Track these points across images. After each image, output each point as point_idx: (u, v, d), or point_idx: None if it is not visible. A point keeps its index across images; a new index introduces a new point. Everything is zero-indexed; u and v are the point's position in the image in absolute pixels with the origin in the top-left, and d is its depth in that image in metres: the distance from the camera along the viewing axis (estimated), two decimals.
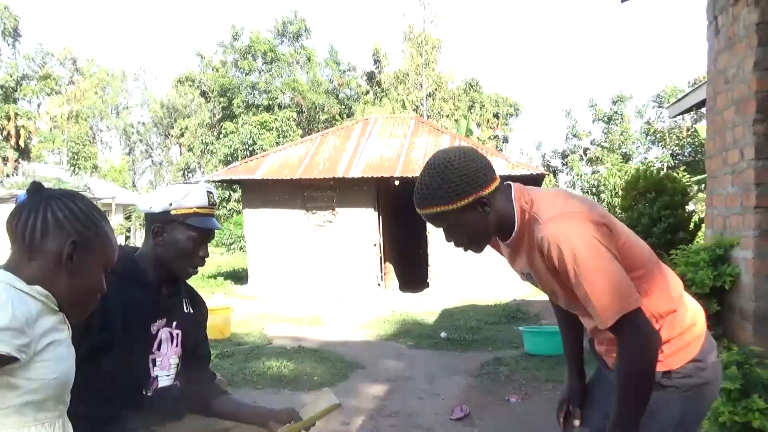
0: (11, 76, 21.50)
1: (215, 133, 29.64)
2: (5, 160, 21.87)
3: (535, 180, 13.11)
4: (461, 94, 32.55)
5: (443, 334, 7.87)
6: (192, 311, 2.16)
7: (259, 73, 30.99)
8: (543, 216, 1.61)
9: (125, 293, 1.92)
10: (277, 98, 29.42)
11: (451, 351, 7.14)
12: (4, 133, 21.37)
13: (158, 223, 1.99)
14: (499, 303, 10.62)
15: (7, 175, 21.86)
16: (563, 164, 31.14)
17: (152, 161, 42.68)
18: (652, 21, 67.90)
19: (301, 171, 12.37)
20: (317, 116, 30.85)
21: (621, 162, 25.88)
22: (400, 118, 15.24)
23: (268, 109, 28.75)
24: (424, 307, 10.65)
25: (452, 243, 1.74)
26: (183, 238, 1.97)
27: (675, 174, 7.85)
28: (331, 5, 60.75)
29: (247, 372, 5.88)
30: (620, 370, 1.57)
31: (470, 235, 1.69)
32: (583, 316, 1.78)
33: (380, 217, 12.70)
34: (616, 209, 12.48)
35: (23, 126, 21.69)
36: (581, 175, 27.53)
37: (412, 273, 13.38)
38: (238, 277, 14.63)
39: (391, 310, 10.12)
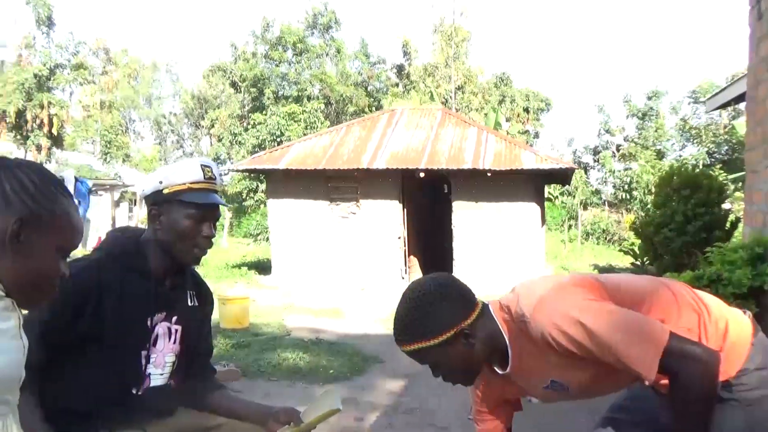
0: (45, 65, 21.83)
1: (244, 124, 29.78)
2: (39, 148, 22.25)
3: (564, 174, 12.83)
4: (491, 88, 32.18)
5: None
6: (197, 304, 2.01)
7: (289, 64, 31.04)
8: (527, 312, 1.48)
9: (123, 281, 1.79)
10: (306, 90, 29.43)
11: None
12: (38, 121, 21.71)
13: (153, 205, 1.84)
14: None
15: (41, 163, 22.25)
16: (595, 161, 30.63)
17: (183, 152, 43.11)
18: (689, 14, 66.26)
19: (326, 161, 12.28)
20: (345, 108, 30.78)
21: (655, 159, 25.31)
22: (427, 109, 15.02)
23: (297, 100, 28.78)
24: None
25: (440, 378, 1.63)
26: (180, 218, 1.80)
27: (711, 172, 7.57)
28: None
29: (262, 363, 5.79)
30: (681, 398, 1.40)
31: (459, 370, 1.59)
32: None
33: (405, 210, 12.55)
34: (649, 207, 12.15)
35: (56, 114, 22.02)
36: (613, 172, 27.02)
37: (438, 266, 13.17)
38: (263, 267, 14.61)
39: None
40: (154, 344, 1.87)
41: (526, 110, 32.56)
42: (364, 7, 60.46)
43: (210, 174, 1.87)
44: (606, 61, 63.82)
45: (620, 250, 12.00)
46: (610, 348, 1.38)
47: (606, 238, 23.20)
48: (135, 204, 22.86)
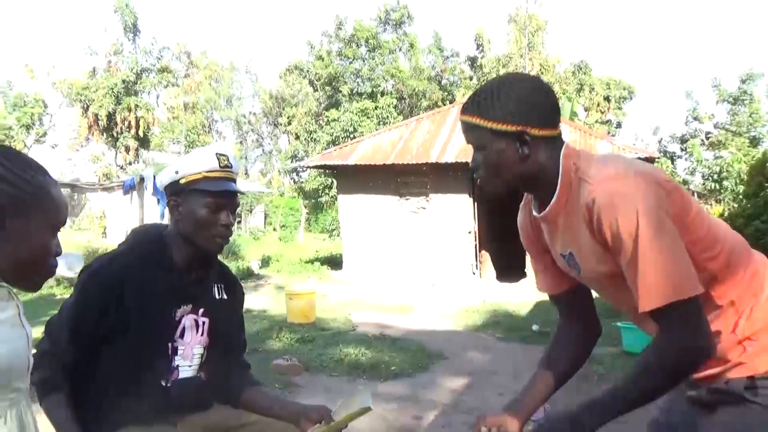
0: (132, 70, 22.96)
1: (320, 122, 30.24)
2: (127, 148, 23.45)
3: None
4: (569, 77, 31.18)
5: (535, 327, 7.44)
6: (225, 297, 1.99)
7: (363, 60, 31.24)
8: (595, 174, 1.32)
9: (146, 274, 1.79)
10: (379, 86, 29.52)
11: (542, 345, 6.71)
12: (126, 123, 22.87)
13: (172, 196, 1.83)
14: None
15: (129, 163, 23.42)
16: (682, 149, 29.09)
17: (263, 150, 44.31)
18: None
19: (394, 156, 12.23)
20: (419, 103, 30.66)
21: (748, 147, 23.75)
22: None
23: (371, 96, 28.92)
24: (519, 297, 10.20)
25: (474, 169, 1.47)
26: (197, 207, 1.78)
27: None
28: None
29: (324, 358, 5.80)
30: (648, 355, 1.30)
31: (493, 168, 1.41)
32: (639, 319, 1.44)
33: (475, 204, 12.32)
34: (740, 197, 11.39)
35: (142, 117, 23.13)
36: (702, 161, 25.56)
37: (510, 262, 12.90)
38: (335, 262, 14.77)
39: (482, 299, 9.77)
40: (182, 336, 1.86)
41: (607, 99, 31.37)
42: (437, 1, 60.06)
43: (226, 162, 1.84)
44: (694, 43, 60.51)
45: None
46: (636, 258, 1.24)
47: None
48: None
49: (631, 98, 33.40)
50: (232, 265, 12.98)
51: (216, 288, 1.97)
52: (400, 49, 32.01)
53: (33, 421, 1.28)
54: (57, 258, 1.26)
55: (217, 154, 1.83)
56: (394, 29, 32.17)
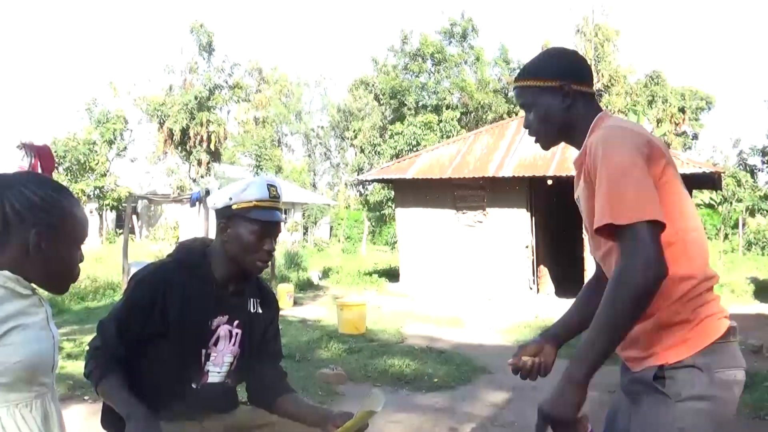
0: (205, 87, 24.01)
1: (384, 135, 30.58)
2: (200, 162, 24.47)
3: (711, 180, 11.79)
4: (641, 88, 30.27)
5: None
6: (260, 311, 2.15)
7: (428, 74, 31.42)
8: (603, 126, 1.57)
9: (188, 286, 1.97)
10: (445, 99, 29.60)
11: None
12: (199, 137, 23.91)
13: (222, 218, 2.01)
14: None
15: (201, 176, 24.42)
16: (763, 162, 27.66)
17: (330, 163, 45.13)
18: None
19: (452, 170, 12.30)
20: (485, 116, 30.53)
21: None
22: None
23: (436, 109, 29.03)
24: None
25: (528, 128, 1.74)
26: (245, 232, 1.96)
27: None
28: (500, 3, 59.81)
29: (369, 369, 5.94)
30: (613, 279, 1.37)
31: (542, 120, 1.67)
32: (605, 260, 1.58)
33: (533, 218, 12.21)
34: None
35: (214, 131, 24.11)
36: None
37: (569, 278, 12.68)
38: (394, 275, 14.93)
39: (535, 315, 9.67)
40: (216, 344, 2.03)
41: (682, 110, 30.27)
42: (504, 13, 59.63)
43: (275, 193, 2.02)
44: None
45: None
46: (604, 185, 1.40)
47: None
48: (288, 212, 24.38)
49: (709, 109, 32.14)
50: (293, 276, 13.35)
51: (252, 302, 2.13)
52: (466, 62, 31.99)
53: (56, 411, 1.47)
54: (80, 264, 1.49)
55: (268, 184, 2.02)
56: (460, 42, 32.21)
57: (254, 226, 1.96)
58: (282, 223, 2.10)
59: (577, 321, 1.80)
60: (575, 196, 1.69)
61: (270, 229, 2.00)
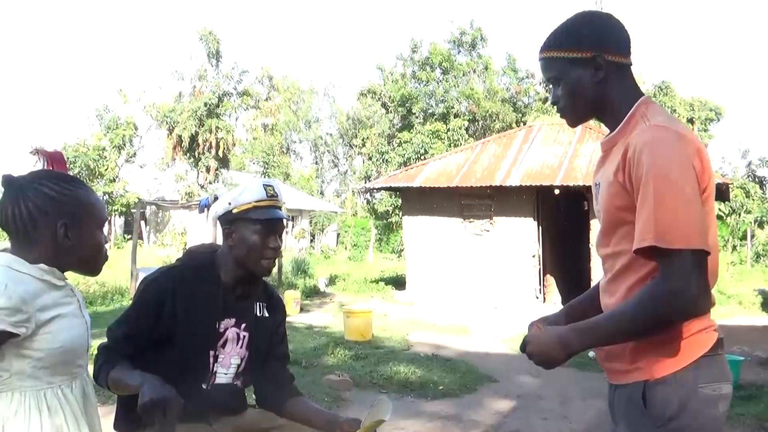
0: (214, 94, 24.15)
1: (392, 143, 30.66)
2: (208, 169, 24.57)
3: (719, 191, 11.76)
4: None
5: (591, 353, 7.30)
6: (267, 315, 2.18)
7: (437, 83, 31.50)
8: (652, 119, 1.41)
9: (196, 289, 2.02)
10: (453, 107, 29.66)
11: (598, 372, 6.57)
12: (207, 144, 24.03)
13: (226, 224, 2.06)
14: None
15: (210, 182, 24.52)
16: None
17: (338, 170, 45.25)
18: None
19: (459, 179, 12.33)
20: (492, 125, 30.55)
21: None
22: (566, 124, 14.45)
23: (444, 118, 29.08)
24: None
25: (555, 104, 1.59)
26: (249, 233, 2.00)
27: None
28: (509, 13, 60.00)
29: (374, 375, 5.96)
30: (655, 290, 1.31)
31: (571, 95, 1.52)
32: (611, 265, 1.50)
33: (540, 227, 12.21)
34: None
35: (223, 138, 24.22)
36: None
37: (575, 287, 12.65)
38: (400, 283, 14.95)
39: None
40: (223, 346, 2.08)
41: (691, 121, 30.17)
42: (513, 23, 59.79)
43: (272, 192, 2.07)
44: None
45: None
46: (653, 202, 1.29)
47: None
48: (295, 219, 24.45)
49: (718, 120, 31.97)
50: (300, 283, 13.39)
51: (258, 306, 2.18)
52: (474, 71, 32.05)
53: (92, 391, 1.62)
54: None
55: (264, 185, 2.06)
56: (468, 51, 32.30)
57: (256, 225, 2.00)
58: (285, 221, 2.12)
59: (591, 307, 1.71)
60: (594, 181, 1.59)
61: (272, 226, 2.04)
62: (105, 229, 1.65)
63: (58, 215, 1.47)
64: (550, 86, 1.58)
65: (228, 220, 2.04)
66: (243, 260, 2.03)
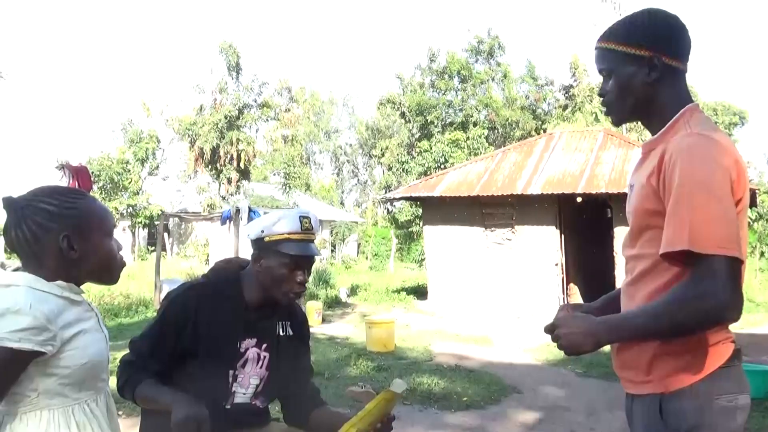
0: (234, 106, 24.38)
1: (412, 153, 30.67)
2: (229, 180, 24.77)
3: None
4: None
5: None
6: (291, 333, 2.16)
7: (455, 92, 31.48)
8: (693, 127, 1.40)
9: (219, 307, 2.00)
10: (472, 116, 29.60)
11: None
12: (228, 156, 24.24)
13: (256, 249, 2.02)
14: None
15: (231, 194, 24.71)
16: None
17: (358, 180, 45.37)
18: None
19: (479, 188, 12.27)
20: (512, 133, 30.43)
21: None
22: (588, 131, 14.36)
23: (463, 126, 29.04)
24: None
25: (602, 96, 1.58)
26: (276, 265, 1.95)
27: None
28: (528, 20, 59.81)
29: None
30: (689, 291, 1.29)
31: (621, 91, 1.50)
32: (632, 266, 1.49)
33: (563, 236, 12.09)
34: None
35: (243, 150, 24.42)
36: None
37: (600, 296, 12.46)
38: (422, 292, 14.88)
39: None
40: (243, 366, 2.05)
41: None
42: (530, 30, 59.59)
43: (307, 225, 2.00)
44: None
45: None
46: (686, 208, 1.28)
47: None
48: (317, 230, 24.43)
49: (742, 124, 31.59)
50: (322, 293, 13.40)
51: (281, 325, 2.14)
52: (493, 79, 31.98)
53: (114, 405, 1.62)
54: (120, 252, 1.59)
55: (300, 217, 2.00)
56: (486, 59, 32.25)
57: (284, 259, 1.95)
58: (316, 257, 2.06)
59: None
60: (629, 182, 1.58)
61: (302, 262, 1.98)
62: (117, 237, 1.59)
63: (60, 229, 1.44)
64: (600, 79, 1.57)
65: (258, 245, 2.00)
66: (267, 288, 2.00)
